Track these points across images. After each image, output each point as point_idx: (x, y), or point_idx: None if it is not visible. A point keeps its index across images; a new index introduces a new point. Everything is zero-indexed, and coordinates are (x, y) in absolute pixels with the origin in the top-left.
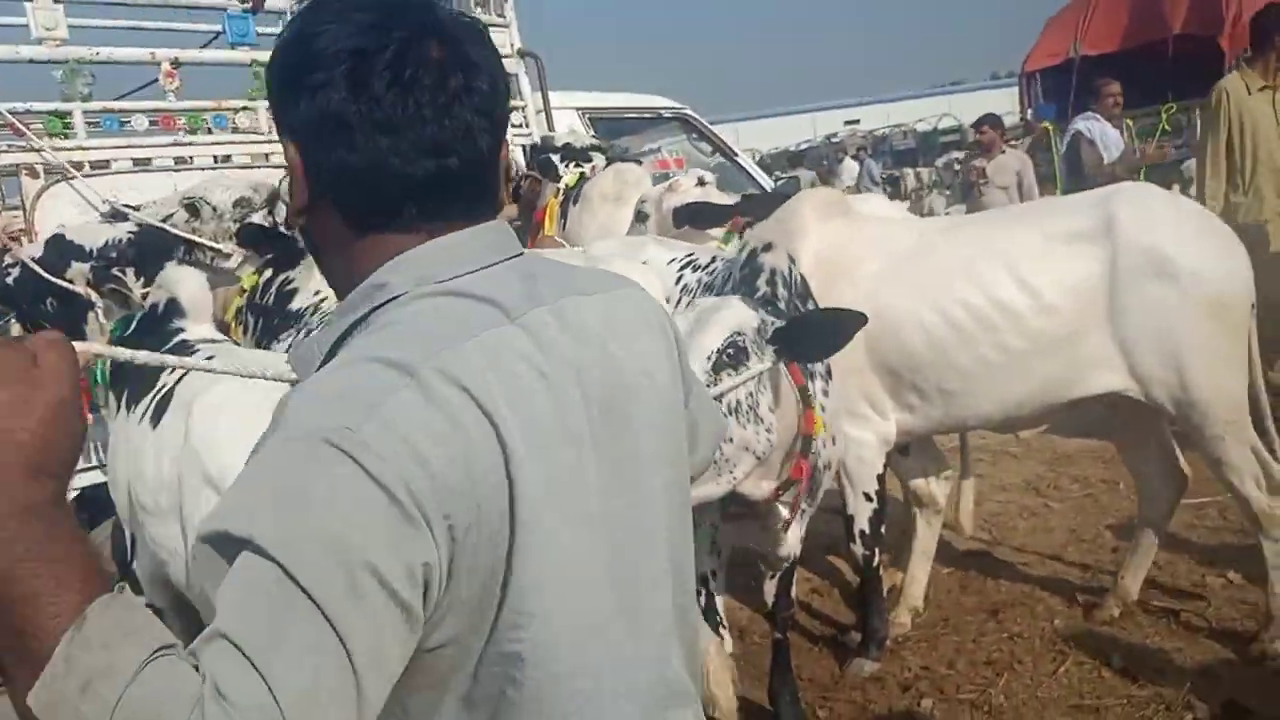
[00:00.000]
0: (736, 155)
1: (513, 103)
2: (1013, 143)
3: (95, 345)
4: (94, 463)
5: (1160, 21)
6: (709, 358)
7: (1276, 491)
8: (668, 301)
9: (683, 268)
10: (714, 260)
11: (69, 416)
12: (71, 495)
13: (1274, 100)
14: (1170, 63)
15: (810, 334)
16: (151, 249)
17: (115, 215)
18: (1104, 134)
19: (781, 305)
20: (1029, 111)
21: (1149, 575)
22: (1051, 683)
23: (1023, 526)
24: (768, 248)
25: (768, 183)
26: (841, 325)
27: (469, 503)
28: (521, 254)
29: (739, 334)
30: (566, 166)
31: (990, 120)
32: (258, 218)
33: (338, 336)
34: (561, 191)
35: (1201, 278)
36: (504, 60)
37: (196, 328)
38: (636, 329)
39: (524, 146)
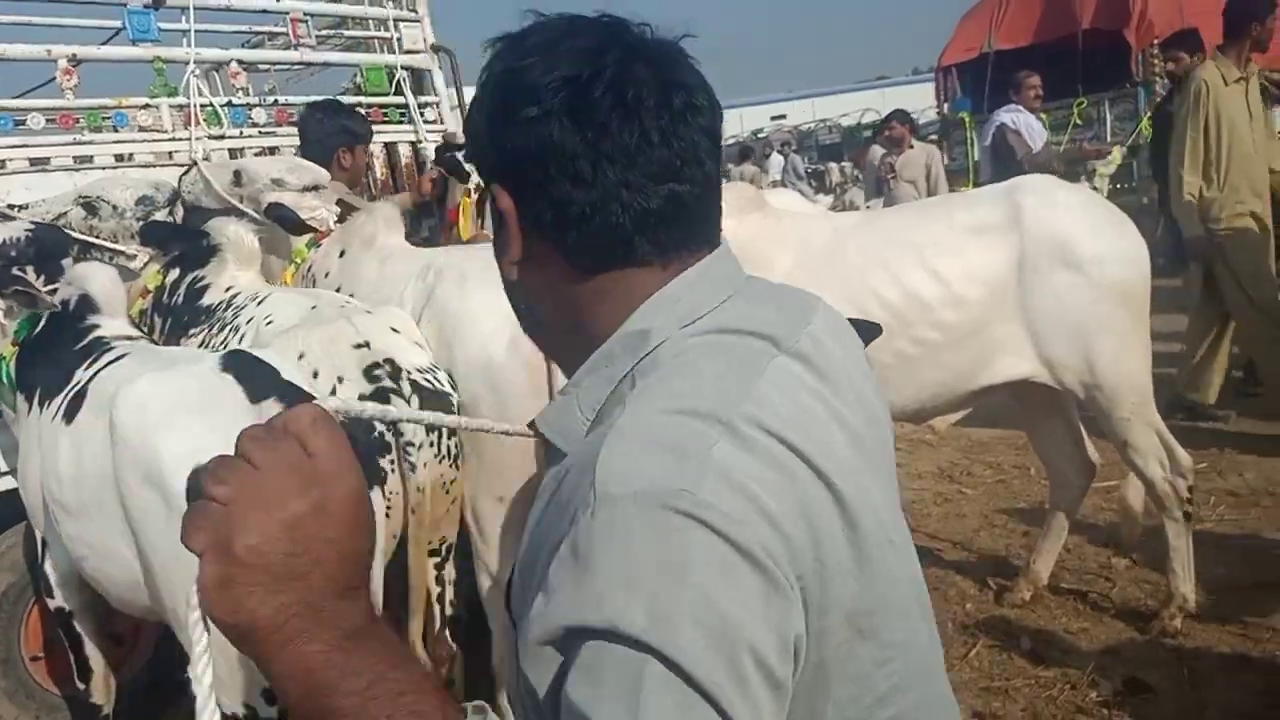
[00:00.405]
0: None
1: (426, 99)
2: (931, 137)
3: (332, 400)
4: None
5: (1070, 16)
6: None
7: (1179, 473)
8: None
9: None
10: None
11: (364, 511)
12: None
13: (1246, 92)
14: (1081, 57)
15: None
16: (53, 248)
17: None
18: (1029, 125)
19: None
20: (946, 105)
21: (1057, 557)
22: (963, 666)
23: (936, 513)
24: None
25: None
26: (860, 334)
27: (814, 560)
28: (750, 277)
29: None
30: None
31: (898, 116)
32: (160, 215)
33: (607, 394)
34: (475, 190)
35: (1106, 264)
36: (417, 56)
37: (111, 323)
38: (855, 347)
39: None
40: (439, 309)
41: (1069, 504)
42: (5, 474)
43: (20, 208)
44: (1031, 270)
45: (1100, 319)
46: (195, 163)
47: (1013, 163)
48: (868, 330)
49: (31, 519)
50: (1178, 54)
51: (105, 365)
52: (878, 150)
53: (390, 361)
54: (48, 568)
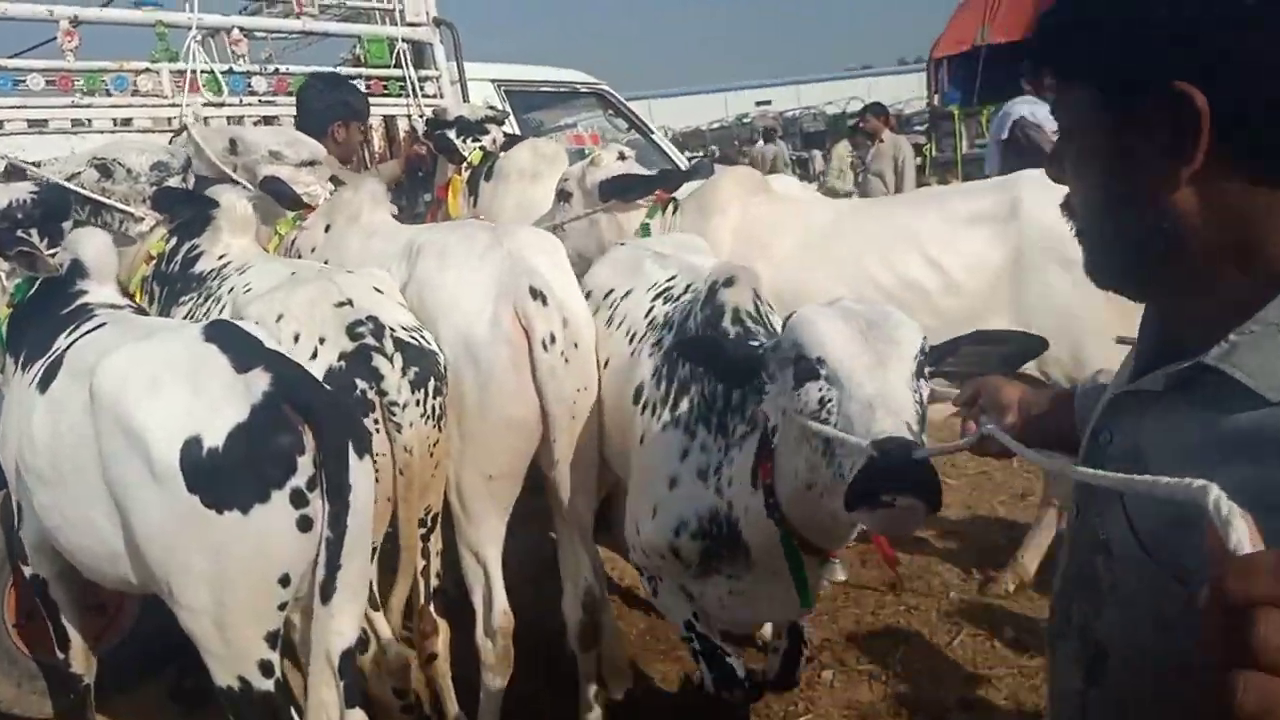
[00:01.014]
0: (652, 133)
1: (426, 73)
2: (919, 128)
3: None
4: None
5: None
6: (915, 358)
7: None
8: (633, 338)
9: (655, 298)
10: (686, 290)
11: None
12: None
13: None
14: None
15: (987, 360)
16: (56, 210)
17: (12, 173)
18: (1049, 117)
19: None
20: (936, 97)
21: (1045, 553)
22: (947, 654)
23: None
24: (729, 282)
25: (682, 161)
26: (1024, 348)
27: None
28: None
29: (926, 340)
30: (463, 141)
31: (874, 109)
32: (174, 182)
33: None
34: (466, 167)
35: None
36: (418, 28)
37: (100, 290)
38: None
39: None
40: (421, 285)
41: (1063, 498)
42: None
43: (36, 165)
44: (1026, 262)
45: (1091, 315)
46: (185, 127)
47: (1040, 158)
48: (1034, 344)
49: (9, 484)
50: None
51: (85, 333)
52: (845, 145)
53: (373, 319)
54: (22, 534)
